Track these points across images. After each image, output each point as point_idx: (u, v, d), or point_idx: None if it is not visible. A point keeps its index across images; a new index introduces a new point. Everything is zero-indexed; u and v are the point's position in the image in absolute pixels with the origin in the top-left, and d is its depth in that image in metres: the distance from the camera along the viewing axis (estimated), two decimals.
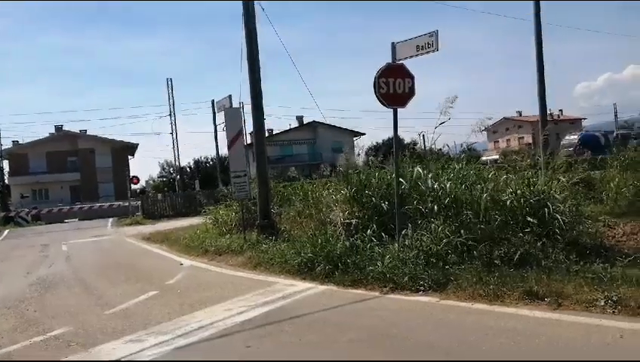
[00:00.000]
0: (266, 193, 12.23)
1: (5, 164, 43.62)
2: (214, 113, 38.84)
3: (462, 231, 7.24)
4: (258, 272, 9.14)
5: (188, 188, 40.55)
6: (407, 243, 7.52)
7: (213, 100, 37.62)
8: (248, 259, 10.16)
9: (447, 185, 8.07)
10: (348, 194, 9.29)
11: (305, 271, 8.17)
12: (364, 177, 9.47)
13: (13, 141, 46.61)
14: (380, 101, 7.63)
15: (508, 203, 7.50)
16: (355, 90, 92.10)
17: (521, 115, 74.18)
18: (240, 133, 12.90)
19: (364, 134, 51.97)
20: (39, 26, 77.19)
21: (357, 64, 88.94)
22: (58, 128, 48.85)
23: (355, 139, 47.51)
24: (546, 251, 6.78)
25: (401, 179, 8.29)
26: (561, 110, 72.99)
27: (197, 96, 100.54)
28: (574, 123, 69.03)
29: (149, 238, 16.97)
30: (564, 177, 8.22)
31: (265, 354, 4.79)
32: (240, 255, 10.73)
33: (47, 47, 78.57)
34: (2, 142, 41.39)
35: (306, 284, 7.68)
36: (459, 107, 8.74)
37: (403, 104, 7.86)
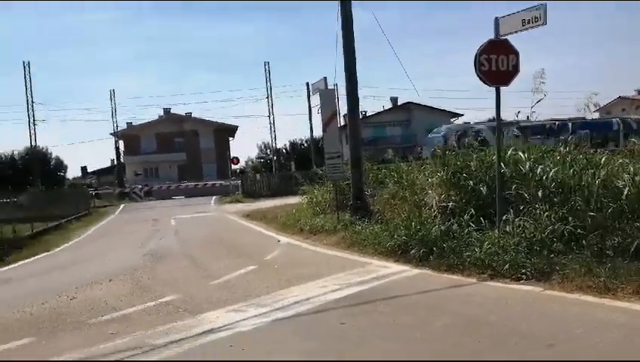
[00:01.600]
0: (360, 174, 12.26)
1: (121, 144, 47.60)
2: (309, 95, 39.51)
3: (569, 219, 6.78)
4: (351, 252, 9.24)
5: (284, 169, 41.80)
6: (507, 229, 7.19)
7: (308, 83, 38.30)
8: (342, 238, 10.31)
9: (552, 170, 7.56)
10: (444, 177, 9.04)
11: (398, 253, 8.13)
12: (461, 159, 9.15)
13: (127, 123, 50.61)
14: (481, 79, 7.29)
15: (625, 190, 6.87)
16: (452, 70, 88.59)
17: None
18: (334, 114, 13.01)
19: (462, 115, 49.98)
20: (143, 13, 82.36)
21: (454, 43, 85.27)
22: (166, 111, 52.27)
23: (452, 120, 45.92)
24: None
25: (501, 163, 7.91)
26: None
27: (292, 79, 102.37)
28: None
29: (248, 216, 17.78)
30: None
31: (359, 332, 4.86)
32: (334, 234, 10.92)
33: (150, 34, 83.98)
34: (118, 124, 45.25)
35: (400, 267, 7.64)
36: (560, 86, 8.06)
37: (506, 82, 7.45)
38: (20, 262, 12.08)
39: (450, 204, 8.53)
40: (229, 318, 5.61)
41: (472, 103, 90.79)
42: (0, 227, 13.69)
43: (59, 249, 14.19)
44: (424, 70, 76.97)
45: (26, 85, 38.68)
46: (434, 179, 9.37)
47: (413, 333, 4.70)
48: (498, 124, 7.79)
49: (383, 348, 4.42)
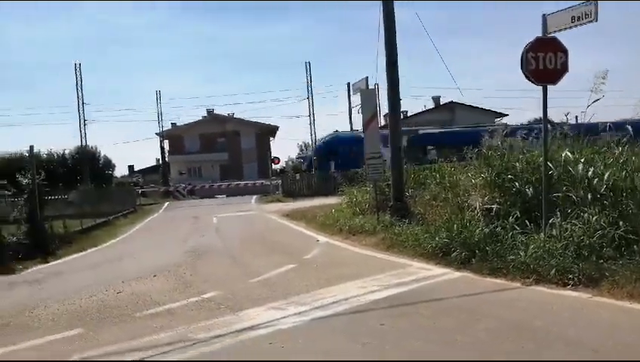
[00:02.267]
0: (400, 175, 12.15)
1: (166, 144, 48.86)
2: (349, 95, 39.39)
3: (620, 223, 6.50)
4: (391, 253, 9.16)
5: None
6: (554, 232, 6.95)
7: (349, 83, 38.17)
8: (381, 240, 10.24)
9: (605, 172, 7.26)
10: (488, 178, 8.83)
11: (439, 255, 8.00)
12: (506, 160, 8.92)
13: (171, 123, 51.91)
14: (528, 78, 7.10)
15: None
16: (497, 68, 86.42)
17: None
18: (375, 114, 12.95)
19: (506, 115, 48.72)
20: (184, 15, 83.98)
21: (497, 41, 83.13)
22: (209, 111, 53.32)
23: (496, 119, 44.84)
24: None
25: (549, 164, 7.66)
26: None
27: (331, 79, 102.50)
28: None
29: (288, 215, 17.92)
30: None
31: (399, 334, 4.81)
32: (373, 235, 10.86)
33: (193, 36, 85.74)
34: (163, 125, 46.48)
35: (441, 269, 7.53)
36: (615, 85, 7.75)
37: (554, 81, 7.23)
38: (70, 257, 12.59)
39: (495, 206, 8.33)
40: (269, 316, 5.67)
41: (517, 103, 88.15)
42: (51, 223, 14.29)
43: (106, 244, 14.71)
44: (467, 69, 75.48)
45: (77, 86, 40.23)
46: (477, 180, 9.18)
47: (454, 336, 4.62)
48: (545, 124, 7.55)
49: (424, 351, 4.36)
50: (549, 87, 7.29)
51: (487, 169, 9.04)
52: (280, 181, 32.53)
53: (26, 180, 13.44)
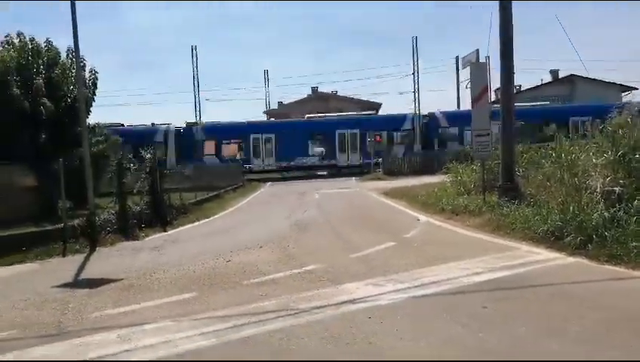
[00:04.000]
0: (511, 153, 11.49)
1: None
2: (457, 70, 37.87)
3: None
4: (497, 235, 8.78)
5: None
6: None
7: (457, 56, 36.67)
8: (487, 221, 9.83)
9: None
10: (612, 158, 8.06)
11: (551, 239, 7.53)
12: (636, 138, 8.06)
13: (278, 102, 53.52)
14: None
15: None
16: (627, 38, 77.52)
17: None
18: (485, 89, 12.34)
19: (636, 89, 43.83)
20: None
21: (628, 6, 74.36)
22: (314, 90, 54.13)
23: (624, 94, 40.60)
24: None
25: None
26: None
27: (440, 54, 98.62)
28: None
29: (388, 193, 17.81)
30: None
31: (502, 318, 4.61)
32: (478, 216, 10.46)
33: (291, 16, 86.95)
34: (270, 103, 48.11)
35: (552, 254, 7.07)
36: None
37: None
38: (185, 226, 13.60)
39: (617, 188, 7.61)
40: (368, 291, 5.72)
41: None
42: (169, 194, 15.46)
43: (217, 216, 15.69)
44: (590, 39, 68.79)
45: (193, 67, 42.79)
46: (600, 160, 8.42)
47: (563, 325, 4.33)
48: None
49: (526, 337, 4.13)
50: None
51: (611, 148, 8.26)
52: (381, 159, 32.28)
53: (149, 155, 14.63)
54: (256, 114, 79.12)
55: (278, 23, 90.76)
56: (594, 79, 40.36)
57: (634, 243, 6.22)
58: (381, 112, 45.23)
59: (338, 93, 51.99)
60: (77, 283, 7.33)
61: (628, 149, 8.00)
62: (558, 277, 5.89)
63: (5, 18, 60.64)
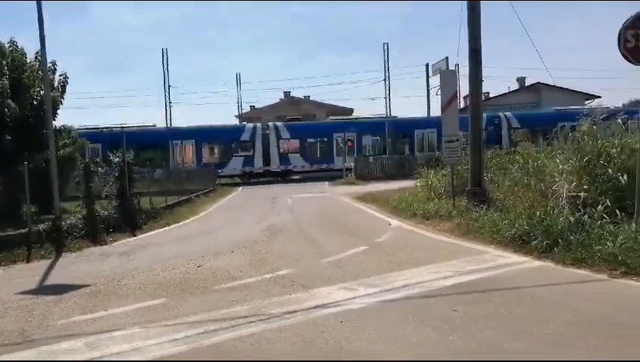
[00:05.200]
0: (479, 159, 11.72)
1: None
2: (428, 77, 38.43)
3: None
4: (466, 240, 8.92)
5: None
6: None
7: (427, 64, 37.22)
8: (456, 225, 9.99)
9: None
10: (577, 164, 8.31)
11: (518, 243, 7.70)
12: (600, 145, 8.33)
13: (250, 106, 53.32)
14: (625, 57, 6.58)
15: None
16: (588, 46, 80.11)
17: None
18: (454, 96, 12.56)
19: (598, 97, 45.30)
20: None
21: (590, 17, 76.98)
22: (286, 94, 54.15)
23: (587, 102, 41.90)
24: None
25: None
26: None
27: (410, 60, 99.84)
28: None
29: (360, 198, 17.92)
30: None
31: (471, 321, 4.69)
32: (448, 221, 10.62)
33: (279, 17, 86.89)
34: (242, 108, 47.85)
35: (519, 258, 7.23)
36: None
37: None
38: (155, 231, 13.38)
39: (582, 193, 7.85)
40: (341, 295, 5.74)
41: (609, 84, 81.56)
42: (139, 198, 15.18)
43: (188, 221, 15.49)
44: (556, 46, 70.73)
45: (163, 70, 42.28)
46: (565, 166, 8.67)
47: (530, 328, 4.43)
48: None
49: (495, 340, 4.22)
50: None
51: (576, 155, 8.51)
52: (353, 164, 32.46)
53: (117, 158, 14.35)
54: (228, 117, 78.59)
55: (253, 27, 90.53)
56: (560, 87, 41.56)
57: (598, 247, 6.41)
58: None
59: (311, 98, 52.08)
60: (42, 290, 7.13)
61: (592, 156, 8.26)
62: (525, 281, 6.03)
63: None
